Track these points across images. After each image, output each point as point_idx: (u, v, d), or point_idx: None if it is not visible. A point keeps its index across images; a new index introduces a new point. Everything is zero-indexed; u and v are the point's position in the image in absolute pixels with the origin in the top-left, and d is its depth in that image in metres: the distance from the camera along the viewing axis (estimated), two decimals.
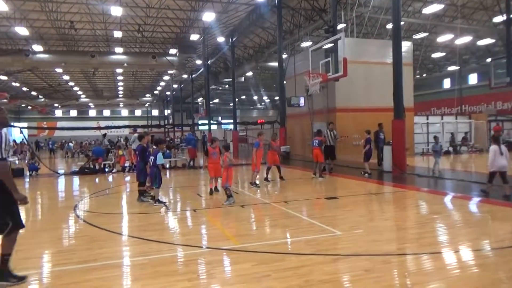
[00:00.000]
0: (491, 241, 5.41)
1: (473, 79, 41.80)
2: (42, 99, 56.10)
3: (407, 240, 5.74)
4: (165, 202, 8.84)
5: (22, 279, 4.16)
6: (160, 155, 8.82)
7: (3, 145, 4.05)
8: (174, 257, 5.08)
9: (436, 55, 36.05)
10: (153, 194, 8.87)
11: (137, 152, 9.69)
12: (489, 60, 24.43)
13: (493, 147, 8.58)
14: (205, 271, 4.51)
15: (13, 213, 4.11)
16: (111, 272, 4.52)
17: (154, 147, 9.61)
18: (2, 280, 4.03)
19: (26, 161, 19.33)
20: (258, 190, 10.56)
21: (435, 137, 12.98)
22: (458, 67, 38.59)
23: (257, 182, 11.23)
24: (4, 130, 4.19)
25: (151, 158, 8.80)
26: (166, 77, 44.21)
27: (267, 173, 12.23)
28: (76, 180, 15.18)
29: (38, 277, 4.41)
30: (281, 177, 12.25)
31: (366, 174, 12.86)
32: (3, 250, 4.09)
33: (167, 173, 16.25)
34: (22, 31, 24.09)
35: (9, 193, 4.06)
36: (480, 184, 10.52)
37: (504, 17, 18.34)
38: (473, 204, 8.25)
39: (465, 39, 28.89)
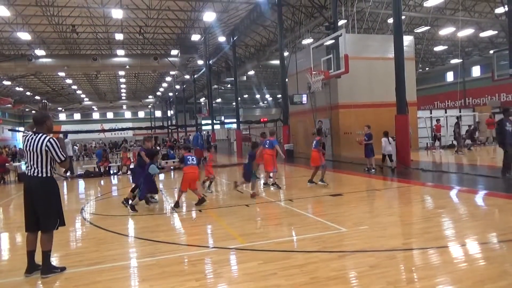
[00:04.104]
0: (497, 234, 5.41)
1: (476, 71, 41.57)
2: (43, 101, 56.32)
3: (413, 235, 5.75)
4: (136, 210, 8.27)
5: (63, 269, 4.69)
6: (153, 166, 8.27)
7: (60, 148, 4.59)
8: (181, 257, 5.12)
9: (438, 48, 35.83)
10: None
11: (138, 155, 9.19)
12: (492, 52, 24.25)
13: (384, 139, 12.68)
14: (212, 270, 4.55)
15: (59, 211, 4.69)
16: (119, 274, 4.58)
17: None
18: (50, 273, 4.55)
19: None
20: (263, 189, 10.57)
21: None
22: (460, 60, 38.37)
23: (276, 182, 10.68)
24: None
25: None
26: (168, 78, 44.30)
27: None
28: (81, 183, 15.29)
29: (48, 280, 4.46)
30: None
31: (373, 170, 12.75)
32: (44, 248, 4.55)
33: (172, 174, 16.33)
34: (24, 36, 24.22)
35: (57, 192, 4.66)
36: (485, 177, 10.52)
37: (506, 8, 18.21)
38: (479, 198, 8.24)
39: (467, 31, 28.70)
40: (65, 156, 4.62)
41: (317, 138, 10.83)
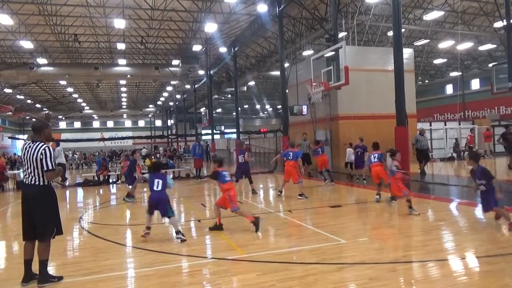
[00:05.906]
0: (497, 247, 5.37)
1: (475, 84, 41.79)
2: (47, 111, 56.53)
3: (412, 248, 5.72)
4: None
5: (60, 278, 4.64)
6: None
7: (52, 158, 4.55)
8: (179, 267, 5.09)
9: (437, 61, 36.09)
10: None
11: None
12: (491, 65, 24.41)
13: (349, 149, 13.87)
14: (210, 281, 4.52)
15: (57, 220, 4.64)
16: (116, 284, 4.54)
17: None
18: (47, 282, 4.49)
19: None
20: (262, 200, 10.54)
21: None
22: (460, 73, 38.59)
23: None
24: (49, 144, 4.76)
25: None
26: (169, 88, 44.50)
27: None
28: (80, 191, 15.24)
29: None
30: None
31: (365, 181, 12.79)
32: (41, 257, 4.51)
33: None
34: (26, 44, 24.42)
35: (55, 201, 4.63)
36: None
37: (505, 23, 18.39)
38: (478, 210, 8.19)
39: (466, 45, 28.94)
40: (53, 167, 4.51)
41: (378, 152, 9.45)
